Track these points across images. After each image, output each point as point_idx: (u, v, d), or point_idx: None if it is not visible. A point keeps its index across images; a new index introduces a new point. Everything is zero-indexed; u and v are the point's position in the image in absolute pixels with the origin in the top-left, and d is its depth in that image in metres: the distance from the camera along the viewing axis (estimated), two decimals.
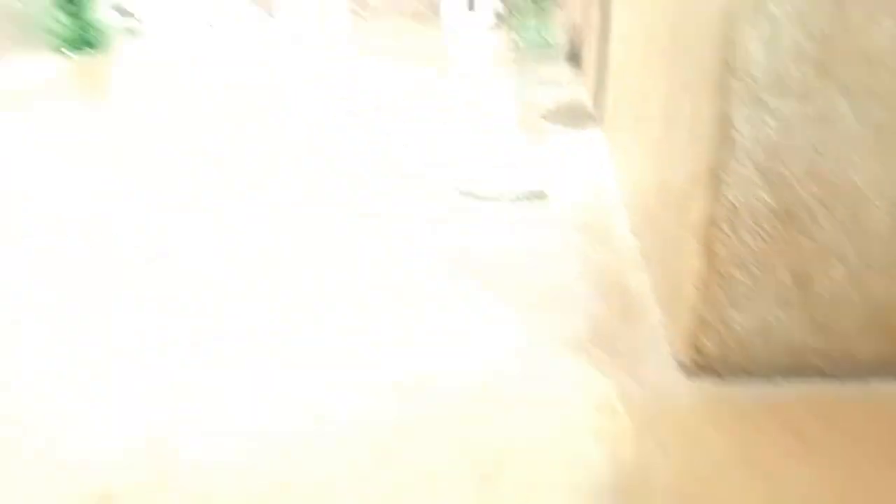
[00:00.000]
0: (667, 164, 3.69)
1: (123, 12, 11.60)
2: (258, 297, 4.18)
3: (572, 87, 8.39)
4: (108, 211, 5.62)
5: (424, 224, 5.18)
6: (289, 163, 6.46)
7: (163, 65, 10.52)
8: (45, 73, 9.88)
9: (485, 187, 5.66)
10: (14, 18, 10.78)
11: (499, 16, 12.42)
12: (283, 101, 8.56)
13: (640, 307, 3.91)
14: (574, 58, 9.26)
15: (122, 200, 5.82)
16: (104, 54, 10.84)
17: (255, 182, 6.02)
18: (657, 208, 3.94)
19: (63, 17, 10.69)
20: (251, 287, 4.31)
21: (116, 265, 4.60)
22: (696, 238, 3.00)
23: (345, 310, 4.11)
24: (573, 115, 7.43)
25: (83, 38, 10.75)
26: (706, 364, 3.14)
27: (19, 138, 7.35)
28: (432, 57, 10.46)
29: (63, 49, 10.68)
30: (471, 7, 12.39)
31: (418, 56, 10.39)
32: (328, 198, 5.66)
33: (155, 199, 5.79)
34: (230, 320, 3.94)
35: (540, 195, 5.56)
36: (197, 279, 4.41)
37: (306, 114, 7.91)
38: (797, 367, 3.11)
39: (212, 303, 4.13)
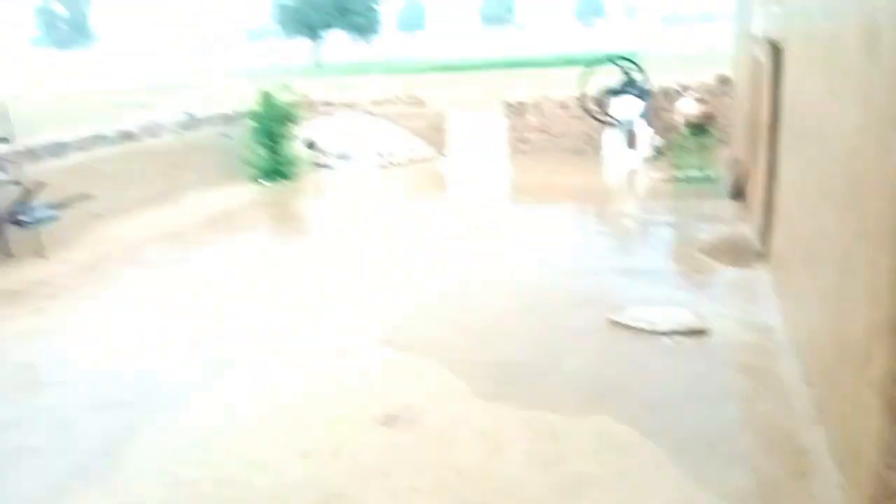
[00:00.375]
0: (842, 314, 3.51)
1: (312, 146, 13.01)
2: None
3: (735, 224, 8.21)
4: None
5: (574, 356, 5.16)
6: (446, 288, 6.76)
7: (340, 191, 11.57)
8: (242, 199, 11.18)
9: (640, 319, 5.58)
10: (223, 153, 12.44)
11: (659, 150, 12.55)
12: (447, 231, 9.05)
13: (814, 465, 3.61)
14: (738, 194, 9.10)
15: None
16: (293, 183, 12.12)
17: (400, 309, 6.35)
18: (832, 359, 3.71)
19: (262, 152, 12.19)
20: None
21: None
22: (879, 396, 2.80)
23: (492, 444, 4.14)
24: (736, 252, 7.23)
25: (277, 170, 12.14)
26: None
27: (217, 251, 8.33)
28: (591, 191, 10.69)
29: (259, 179, 12.10)
30: (630, 142, 12.61)
31: (576, 190, 10.67)
32: (471, 329, 5.83)
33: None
34: None
35: (699, 331, 5.38)
36: None
37: (468, 242, 8.30)
38: None
39: None
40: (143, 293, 7.04)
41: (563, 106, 13.57)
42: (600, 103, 13.14)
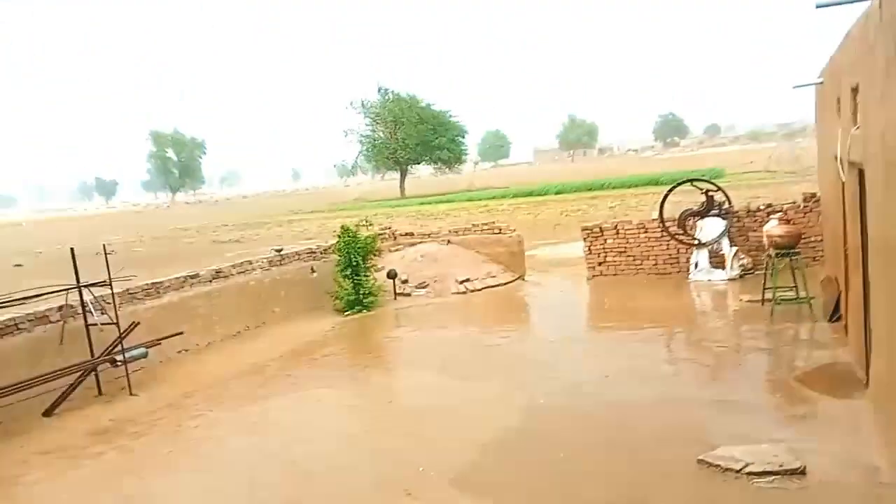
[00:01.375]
0: None
1: (393, 276, 13.32)
2: None
3: (833, 349, 7.67)
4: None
5: (660, 501, 4.78)
6: (521, 421, 6.52)
7: (418, 320, 11.63)
8: (325, 330, 11.44)
9: (732, 459, 5.15)
10: (308, 286, 12.94)
11: (747, 271, 12.12)
12: (523, 358, 8.87)
13: None
14: (834, 316, 8.57)
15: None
16: (374, 312, 12.36)
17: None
18: None
19: (345, 284, 12.58)
20: None
21: None
22: None
23: None
24: (835, 380, 6.70)
25: (359, 301, 12.45)
26: None
27: (295, 386, 8.43)
28: (675, 314, 10.33)
29: (343, 309, 12.43)
30: (716, 263, 12.26)
31: (660, 313, 10.33)
32: (548, 468, 5.54)
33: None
34: None
35: (797, 472, 4.91)
36: None
37: (545, 371, 8.07)
38: None
39: None
40: (221, 433, 7.15)
41: (643, 228, 13.46)
42: (682, 224, 12.97)
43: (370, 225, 13.19)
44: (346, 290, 12.58)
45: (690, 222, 12.94)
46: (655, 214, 13.31)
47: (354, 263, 12.59)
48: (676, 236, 12.92)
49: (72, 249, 8.67)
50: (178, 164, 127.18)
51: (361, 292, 12.55)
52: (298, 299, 12.79)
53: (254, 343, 10.85)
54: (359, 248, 12.63)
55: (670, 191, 13.37)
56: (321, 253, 13.68)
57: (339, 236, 12.81)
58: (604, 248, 13.66)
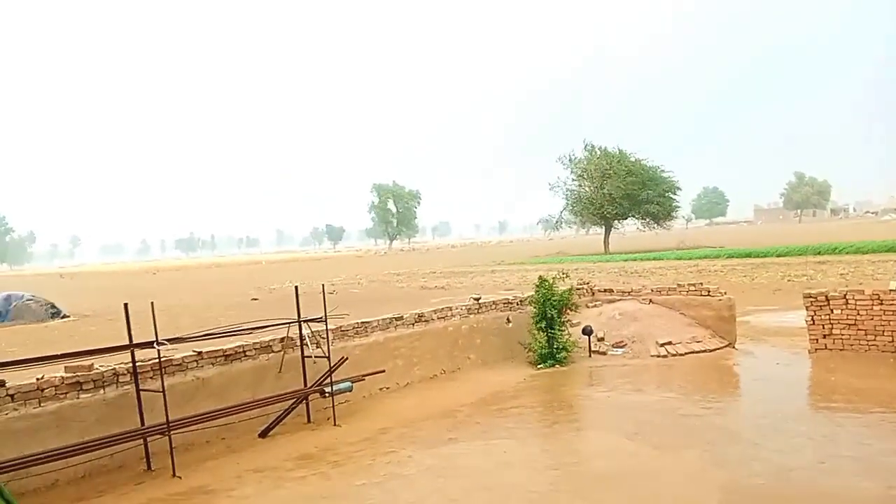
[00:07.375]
0: None
1: (589, 333, 13.06)
2: None
3: None
4: None
5: None
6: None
7: (614, 381, 11.24)
8: (517, 382, 11.49)
9: None
10: (503, 336, 13.11)
11: None
12: (726, 439, 8.21)
13: None
14: None
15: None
16: (567, 368, 12.18)
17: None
18: None
19: (539, 336, 12.58)
20: None
21: None
22: None
23: None
24: None
25: (552, 355, 12.37)
26: None
27: (483, 434, 8.52)
28: None
29: (535, 362, 12.41)
30: None
31: None
32: None
33: None
34: None
35: None
36: None
37: (750, 452, 7.40)
38: None
39: None
40: (410, 471, 7.41)
41: (877, 299, 11.93)
42: None
43: (566, 277, 13.11)
44: (539, 342, 12.57)
45: None
46: (894, 285, 11.78)
47: (549, 317, 12.57)
48: None
49: (296, 287, 9.62)
50: (396, 215, 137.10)
51: (555, 346, 12.47)
52: (492, 348, 13.00)
53: (448, 387, 11.18)
54: (554, 301, 12.60)
55: None
56: (517, 304, 13.83)
57: (537, 287, 12.87)
58: (830, 319, 12.30)
